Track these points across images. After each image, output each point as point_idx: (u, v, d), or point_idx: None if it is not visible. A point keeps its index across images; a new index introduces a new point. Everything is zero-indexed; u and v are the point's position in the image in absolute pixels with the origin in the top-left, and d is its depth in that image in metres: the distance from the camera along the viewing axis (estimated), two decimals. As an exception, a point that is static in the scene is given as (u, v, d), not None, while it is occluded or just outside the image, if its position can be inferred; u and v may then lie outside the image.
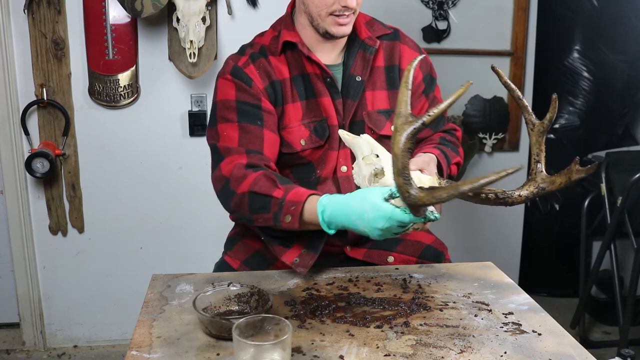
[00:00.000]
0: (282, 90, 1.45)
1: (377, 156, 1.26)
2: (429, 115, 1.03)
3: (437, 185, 1.24)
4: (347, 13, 1.40)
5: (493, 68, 1.22)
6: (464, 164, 2.81)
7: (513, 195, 1.19)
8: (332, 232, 1.23)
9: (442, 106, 1.03)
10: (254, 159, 1.37)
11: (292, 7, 1.53)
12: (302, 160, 1.48)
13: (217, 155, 1.42)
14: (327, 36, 1.44)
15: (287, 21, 1.50)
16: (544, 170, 1.20)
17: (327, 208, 1.21)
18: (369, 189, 1.18)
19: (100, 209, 2.54)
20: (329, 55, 1.49)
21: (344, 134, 1.36)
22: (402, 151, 1.04)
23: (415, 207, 1.07)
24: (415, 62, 1.06)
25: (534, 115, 1.22)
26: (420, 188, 1.05)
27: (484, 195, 1.17)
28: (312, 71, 1.46)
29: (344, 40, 1.50)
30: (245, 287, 1.19)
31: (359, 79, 1.48)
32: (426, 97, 1.57)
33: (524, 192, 1.19)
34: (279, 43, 1.46)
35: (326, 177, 1.48)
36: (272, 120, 1.43)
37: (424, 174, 1.30)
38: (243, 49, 1.51)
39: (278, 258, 1.35)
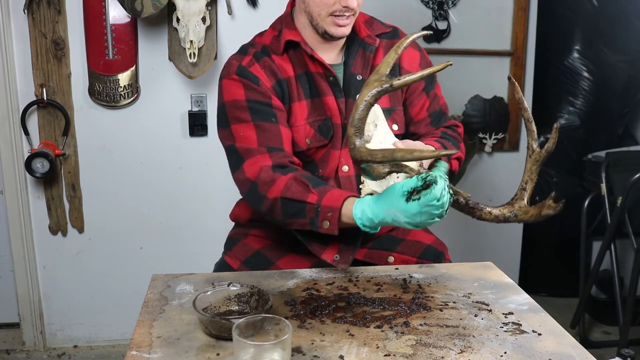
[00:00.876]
0: (289, 88, 1.45)
1: (376, 126, 1.26)
2: (399, 80, 1.08)
3: (416, 168, 1.23)
4: (347, 14, 1.40)
5: (510, 79, 1.22)
6: (464, 164, 2.81)
7: (484, 209, 1.19)
8: (373, 231, 1.23)
9: (415, 76, 1.08)
10: (278, 157, 1.36)
11: (291, 6, 1.53)
12: (306, 159, 1.48)
13: (237, 157, 1.40)
14: (326, 36, 1.44)
15: (287, 20, 1.50)
16: (525, 200, 1.20)
17: (364, 214, 1.20)
18: (390, 194, 1.15)
19: (100, 209, 2.54)
20: (330, 55, 1.49)
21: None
22: (363, 104, 1.08)
23: (356, 160, 1.10)
24: (412, 38, 1.10)
25: (536, 143, 1.22)
26: (365, 143, 1.10)
27: (455, 197, 1.18)
28: (316, 70, 1.46)
29: (344, 39, 1.50)
30: (245, 287, 1.19)
31: (359, 77, 1.48)
32: (427, 94, 1.57)
33: (495, 212, 1.20)
34: (281, 42, 1.46)
35: (328, 176, 1.48)
36: (284, 117, 1.44)
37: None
38: (244, 49, 1.50)
39: (318, 257, 1.35)
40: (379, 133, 1.24)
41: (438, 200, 1.09)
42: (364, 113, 1.07)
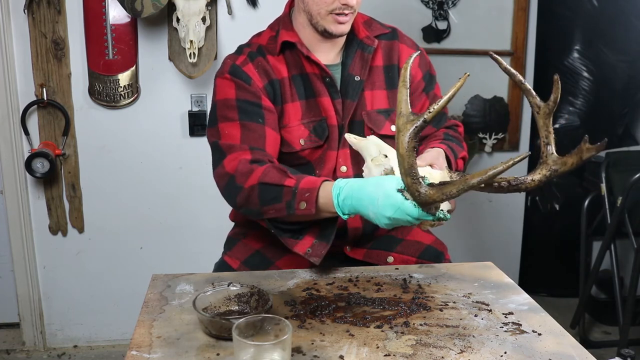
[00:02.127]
0: (281, 89, 1.45)
1: (386, 156, 1.26)
2: (430, 112, 1.03)
3: (448, 179, 1.24)
4: (347, 12, 1.40)
5: (491, 55, 1.21)
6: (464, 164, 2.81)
7: (526, 180, 1.17)
8: (345, 217, 1.23)
9: (442, 102, 1.03)
10: (258, 155, 1.37)
11: (290, 6, 1.53)
12: (301, 160, 1.48)
13: (219, 153, 1.41)
14: (326, 35, 1.44)
15: (285, 21, 1.50)
16: (554, 152, 1.18)
17: (342, 190, 1.21)
18: (386, 177, 1.18)
19: (100, 209, 2.54)
20: (328, 55, 1.49)
21: (350, 137, 1.36)
22: (407, 151, 1.04)
23: (427, 204, 1.07)
24: (411, 60, 1.06)
25: (538, 98, 1.20)
26: (430, 185, 1.05)
27: (496, 184, 1.16)
28: (312, 71, 1.46)
29: (343, 39, 1.50)
30: (245, 287, 1.19)
31: (357, 78, 1.48)
32: (426, 95, 1.57)
33: (537, 177, 1.17)
34: (278, 43, 1.46)
35: (326, 177, 1.48)
36: (273, 119, 1.43)
37: (434, 168, 1.30)
38: (240, 49, 1.50)
39: (291, 249, 1.34)
40: (393, 160, 1.23)
41: (411, 221, 1.11)
42: (412, 159, 1.04)
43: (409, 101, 1.05)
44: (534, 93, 1.20)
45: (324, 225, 1.32)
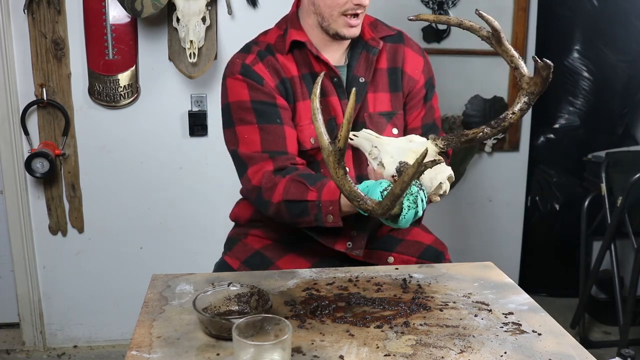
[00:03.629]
0: (293, 87, 1.46)
1: (376, 147, 1.28)
2: (338, 140, 1.07)
3: (431, 144, 1.23)
4: (359, 11, 1.40)
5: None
6: (464, 165, 2.81)
7: (507, 116, 1.19)
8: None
9: (344, 127, 1.05)
10: (280, 161, 1.38)
11: (297, 5, 1.53)
12: (309, 159, 1.48)
13: (241, 164, 1.43)
14: (337, 37, 1.45)
15: (293, 20, 1.50)
16: (525, 71, 1.18)
17: None
18: (373, 188, 1.19)
19: (100, 209, 2.54)
20: (334, 56, 1.49)
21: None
22: (340, 179, 1.10)
23: (382, 214, 1.11)
24: (317, 90, 1.10)
25: (484, 30, 1.29)
26: (373, 201, 1.11)
27: (480, 134, 1.19)
28: (321, 70, 1.46)
29: (349, 40, 1.50)
30: (245, 287, 1.19)
31: (362, 80, 1.48)
32: (424, 104, 1.57)
33: (517, 107, 1.18)
34: (287, 42, 1.46)
35: (326, 175, 1.48)
36: (289, 116, 1.44)
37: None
38: (248, 47, 1.50)
39: (332, 248, 1.38)
40: (385, 151, 1.25)
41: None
42: (348, 184, 1.11)
43: (325, 132, 1.09)
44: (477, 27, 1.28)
45: (357, 219, 1.34)
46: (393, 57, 1.53)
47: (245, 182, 1.42)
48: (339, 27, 1.42)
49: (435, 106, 1.59)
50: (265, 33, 1.53)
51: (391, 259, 1.53)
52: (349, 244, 1.37)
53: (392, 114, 1.51)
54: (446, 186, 1.20)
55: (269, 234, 1.56)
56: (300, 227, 1.40)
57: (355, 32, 1.44)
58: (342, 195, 1.26)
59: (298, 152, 1.46)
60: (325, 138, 1.09)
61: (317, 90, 1.11)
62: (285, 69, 1.45)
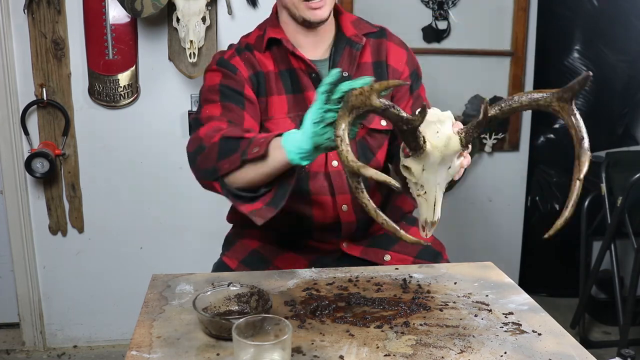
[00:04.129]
0: (267, 81, 1.47)
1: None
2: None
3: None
4: None
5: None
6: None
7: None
8: (295, 158, 1.18)
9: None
10: (234, 127, 1.37)
11: (277, 7, 1.55)
12: None
13: (197, 124, 1.40)
14: (307, 24, 1.46)
15: (272, 20, 1.53)
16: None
17: (289, 134, 1.19)
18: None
19: (100, 209, 2.54)
20: (315, 51, 1.50)
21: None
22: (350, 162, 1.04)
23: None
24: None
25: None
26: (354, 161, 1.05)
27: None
28: (298, 66, 1.47)
29: (331, 35, 1.51)
30: (245, 287, 1.19)
31: (345, 74, 1.49)
32: (411, 94, 1.57)
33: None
34: (264, 40, 1.49)
35: (317, 171, 1.49)
36: (253, 109, 1.45)
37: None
38: (230, 46, 1.54)
39: (241, 212, 1.29)
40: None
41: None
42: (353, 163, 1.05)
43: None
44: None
45: (277, 194, 1.27)
46: (377, 51, 1.54)
47: (193, 135, 1.37)
48: (303, 13, 1.43)
49: (422, 95, 1.60)
50: (247, 35, 1.56)
51: (388, 257, 1.54)
52: (254, 210, 1.26)
53: None
54: (456, 141, 1.11)
55: (266, 234, 1.56)
56: (219, 178, 1.30)
57: (321, 14, 1.43)
58: (275, 137, 1.21)
59: None
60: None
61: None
62: (261, 64, 1.48)
